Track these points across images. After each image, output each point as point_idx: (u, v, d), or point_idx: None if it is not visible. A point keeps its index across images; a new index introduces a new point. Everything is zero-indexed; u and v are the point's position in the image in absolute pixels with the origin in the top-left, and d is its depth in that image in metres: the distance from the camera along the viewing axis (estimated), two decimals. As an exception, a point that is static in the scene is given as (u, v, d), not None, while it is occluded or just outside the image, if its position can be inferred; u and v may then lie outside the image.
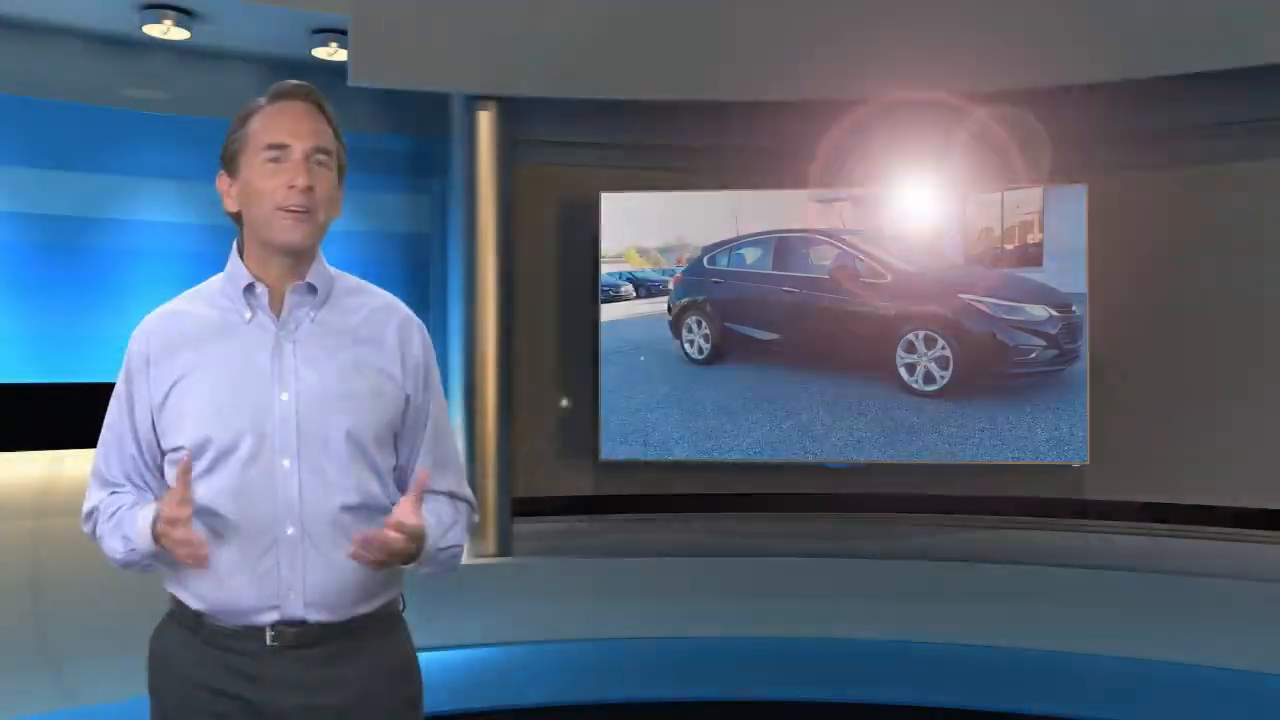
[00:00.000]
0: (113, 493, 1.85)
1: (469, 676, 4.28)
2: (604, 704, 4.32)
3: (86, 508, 1.87)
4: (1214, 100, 4.49)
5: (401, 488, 1.88)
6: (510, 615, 4.51)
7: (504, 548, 4.68)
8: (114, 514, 1.81)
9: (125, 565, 1.80)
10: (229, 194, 1.81)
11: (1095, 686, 4.27)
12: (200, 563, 1.67)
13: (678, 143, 4.99)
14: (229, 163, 1.81)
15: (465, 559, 4.85)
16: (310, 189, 1.75)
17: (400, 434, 1.87)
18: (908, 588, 4.62)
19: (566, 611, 4.55)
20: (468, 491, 1.96)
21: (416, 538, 1.74)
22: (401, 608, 1.92)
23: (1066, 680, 4.30)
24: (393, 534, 1.70)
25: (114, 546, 1.79)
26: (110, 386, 1.87)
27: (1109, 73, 4.24)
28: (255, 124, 1.78)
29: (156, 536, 1.70)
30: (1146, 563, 4.61)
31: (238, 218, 1.83)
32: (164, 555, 1.73)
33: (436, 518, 1.83)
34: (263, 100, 1.80)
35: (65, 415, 4.06)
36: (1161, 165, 4.70)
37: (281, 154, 1.75)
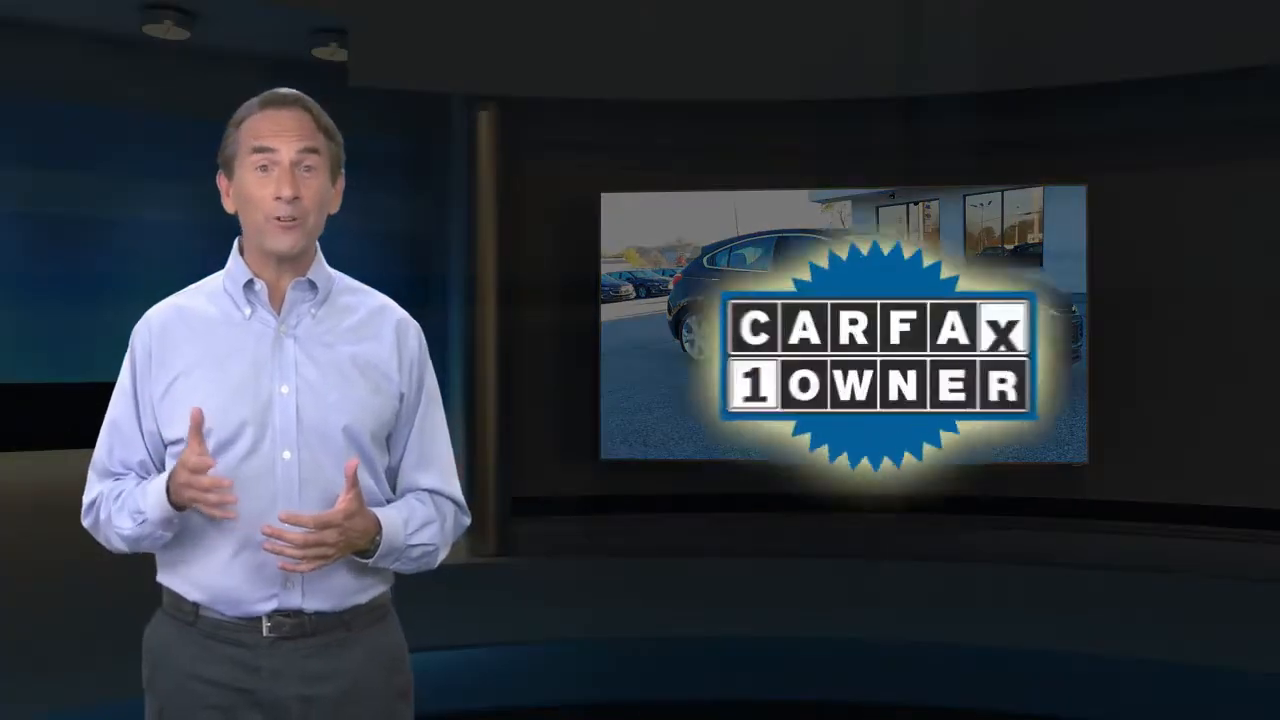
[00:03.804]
0: (116, 479, 1.85)
1: (469, 676, 4.28)
2: (604, 704, 4.33)
3: (87, 500, 1.87)
4: (1214, 100, 4.50)
5: (393, 488, 1.89)
6: (510, 615, 4.51)
7: (504, 548, 4.68)
8: (119, 495, 1.81)
9: (133, 542, 1.79)
10: (227, 194, 1.84)
11: (1095, 686, 4.27)
12: (227, 513, 1.67)
13: (678, 143, 4.99)
14: (225, 165, 1.83)
15: (465, 559, 4.87)
16: (297, 198, 1.77)
17: (393, 434, 1.88)
18: (908, 588, 4.63)
19: (566, 611, 4.55)
20: (455, 492, 1.94)
21: (368, 533, 1.74)
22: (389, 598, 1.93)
23: (1066, 680, 4.31)
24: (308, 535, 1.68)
25: (121, 524, 1.79)
26: (110, 386, 1.87)
27: (1109, 73, 4.24)
28: (246, 128, 1.81)
29: (174, 498, 1.70)
30: (1147, 562, 4.62)
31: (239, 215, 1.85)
32: (175, 522, 1.74)
33: (408, 513, 1.83)
34: (255, 103, 1.83)
35: (65, 415, 4.06)
36: (1161, 165, 4.70)
37: (268, 159, 1.77)
